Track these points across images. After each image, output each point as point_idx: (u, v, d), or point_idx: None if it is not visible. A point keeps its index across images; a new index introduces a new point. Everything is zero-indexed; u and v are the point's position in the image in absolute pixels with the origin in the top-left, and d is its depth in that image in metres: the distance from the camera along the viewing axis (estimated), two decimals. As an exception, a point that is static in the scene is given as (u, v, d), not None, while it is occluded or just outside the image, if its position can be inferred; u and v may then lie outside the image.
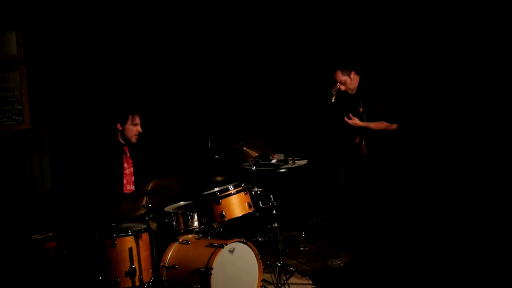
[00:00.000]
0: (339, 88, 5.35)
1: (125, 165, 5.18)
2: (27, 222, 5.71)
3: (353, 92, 5.44)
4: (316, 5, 6.73)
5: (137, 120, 5.07)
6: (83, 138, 5.96)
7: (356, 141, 5.43)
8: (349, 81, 5.35)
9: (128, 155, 5.20)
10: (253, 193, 5.14)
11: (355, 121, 5.30)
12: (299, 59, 6.96)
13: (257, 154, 5.30)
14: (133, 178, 5.21)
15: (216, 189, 5.10)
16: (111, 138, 5.12)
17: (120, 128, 5.06)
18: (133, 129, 5.05)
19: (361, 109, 5.39)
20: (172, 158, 6.34)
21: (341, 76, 5.36)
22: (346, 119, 5.30)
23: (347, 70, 5.35)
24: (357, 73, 5.38)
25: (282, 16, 6.88)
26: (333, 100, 5.37)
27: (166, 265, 4.64)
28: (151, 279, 4.50)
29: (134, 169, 5.22)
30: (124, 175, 5.16)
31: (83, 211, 5.56)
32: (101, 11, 6.16)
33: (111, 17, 6.21)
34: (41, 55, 5.92)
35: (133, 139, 5.08)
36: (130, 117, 5.04)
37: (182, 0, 6.58)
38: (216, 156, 5.34)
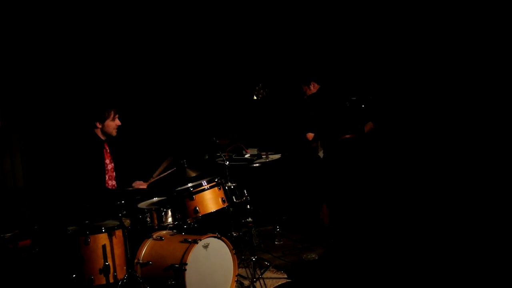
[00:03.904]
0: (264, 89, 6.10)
1: (107, 160, 5.18)
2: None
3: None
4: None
5: (115, 115, 5.10)
6: (59, 136, 5.91)
7: (313, 145, 6.05)
8: (308, 90, 6.15)
9: (108, 151, 5.21)
10: (226, 188, 5.16)
11: None
12: (274, 58, 7.13)
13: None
14: (114, 174, 5.24)
15: (190, 184, 5.10)
16: (90, 135, 5.11)
17: (100, 126, 5.08)
18: (113, 124, 5.09)
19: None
20: (149, 153, 6.33)
21: (302, 86, 6.22)
22: None
23: (307, 81, 6.14)
24: (318, 82, 6.15)
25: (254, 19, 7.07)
26: (254, 98, 6.05)
27: (141, 261, 4.63)
28: (125, 276, 4.49)
29: (114, 164, 5.23)
30: (106, 171, 5.16)
31: (59, 207, 5.53)
32: (74, 11, 6.14)
33: (84, 17, 6.19)
34: (10, 54, 5.85)
35: (114, 133, 5.13)
36: (107, 113, 5.06)
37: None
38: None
